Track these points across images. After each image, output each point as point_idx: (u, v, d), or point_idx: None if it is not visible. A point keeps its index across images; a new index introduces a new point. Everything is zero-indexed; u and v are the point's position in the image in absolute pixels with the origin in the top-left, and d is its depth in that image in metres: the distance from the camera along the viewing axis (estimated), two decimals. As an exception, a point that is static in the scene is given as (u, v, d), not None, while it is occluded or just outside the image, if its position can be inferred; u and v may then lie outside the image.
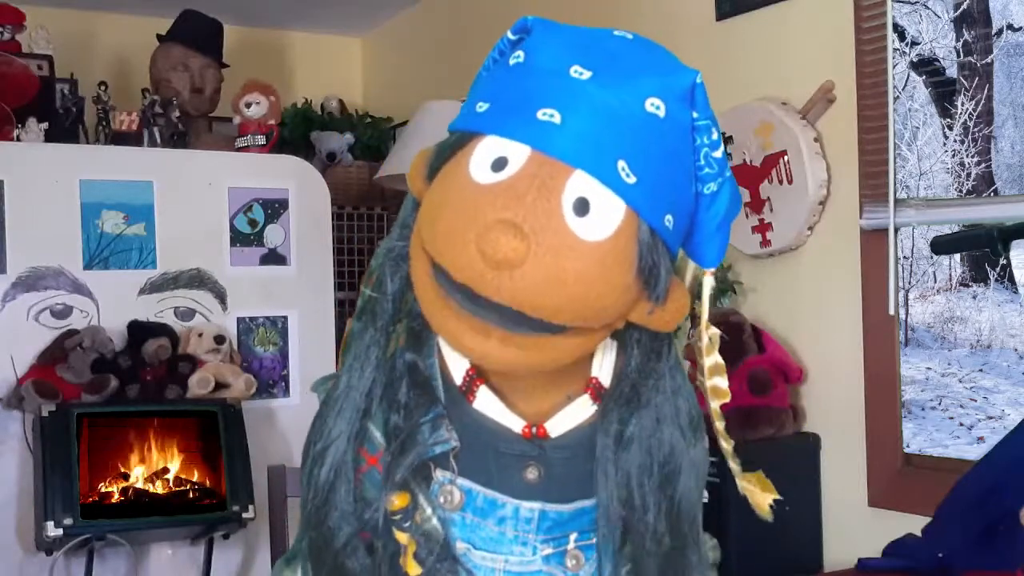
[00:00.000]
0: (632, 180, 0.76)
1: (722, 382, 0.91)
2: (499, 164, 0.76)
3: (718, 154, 0.82)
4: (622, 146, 0.76)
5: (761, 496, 0.94)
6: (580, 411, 0.88)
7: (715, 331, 0.90)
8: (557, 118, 0.75)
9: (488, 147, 0.77)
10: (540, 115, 0.75)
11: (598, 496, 0.86)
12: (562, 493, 0.88)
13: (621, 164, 0.75)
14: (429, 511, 0.86)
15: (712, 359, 0.90)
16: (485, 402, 0.87)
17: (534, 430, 0.87)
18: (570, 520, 0.88)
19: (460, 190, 0.77)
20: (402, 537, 0.85)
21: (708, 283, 0.88)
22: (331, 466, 0.85)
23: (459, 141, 0.81)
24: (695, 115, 0.81)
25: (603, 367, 0.90)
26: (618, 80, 0.77)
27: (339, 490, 0.85)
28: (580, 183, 0.75)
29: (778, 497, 0.92)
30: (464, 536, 0.87)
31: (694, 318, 0.91)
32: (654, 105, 0.77)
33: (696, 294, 0.88)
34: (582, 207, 0.75)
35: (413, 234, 0.83)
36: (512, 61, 0.81)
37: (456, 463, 0.85)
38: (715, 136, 0.82)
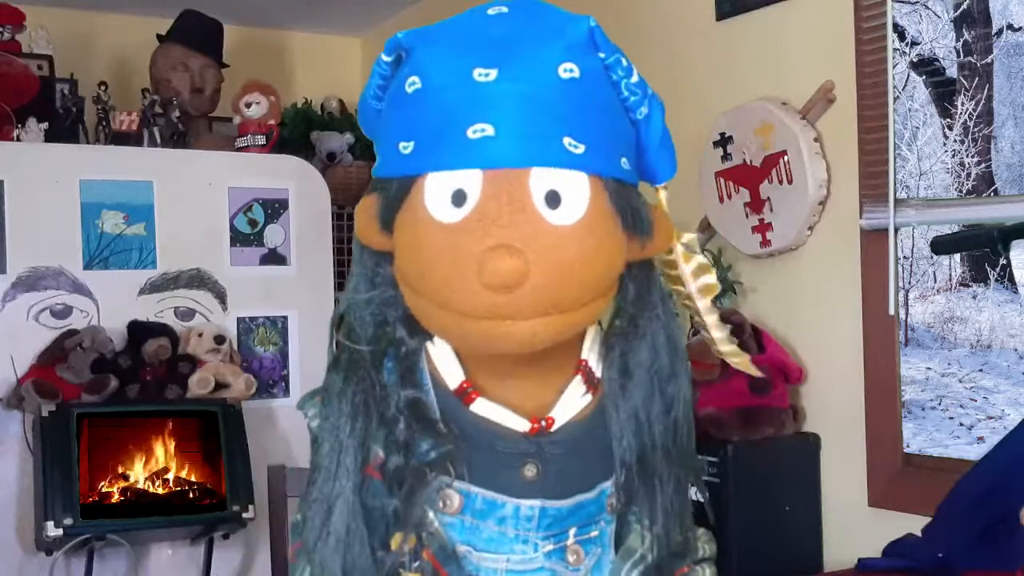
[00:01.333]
0: (581, 150, 0.76)
1: (710, 278, 0.93)
2: (458, 198, 0.76)
3: (635, 79, 0.82)
4: (558, 124, 0.76)
5: (744, 362, 0.98)
6: (575, 395, 0.89)
7: (691, 236, 0.93)
8: (490, 130, 0.74)
9: (437, 185, 0.77)
10: (471, 134, 0.75)
11: (610, 429, 0.88)
12: (560, 489, 0.88)
13: (566, 140, 0.76)
14: (436, 524, 0.86)
15: (694, 262, 0.92)
16: (484, 408, 0.87)
17: (542, 423, 0.87)
18: (569, 515, 0.88)
19: (435, 236, 0.77)
20: None
21: (664, 196, 0.90)
22: (344, 520, 0.84)
23: (401, 187, 0.80)
24: (602, 56, 0.80)
25: (593, 349, 0.91)
26: (524, 65, 0.76)
27: (356, 545, 0.84)
28: (541, 178, 0.76)
29: (760, 375, 0.94)
30: (464, 539, 0.86)
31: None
32: (567, 70, 0.77)
33: None
34: (553, 199, 0.76)
35: (402, 287, 0.83)
36: (410, 89, 0.78)
37: (454, 467, 0.85)
38: (625, 63, 0.82)
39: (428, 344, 0.89)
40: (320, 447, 0.87)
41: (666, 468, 0.89)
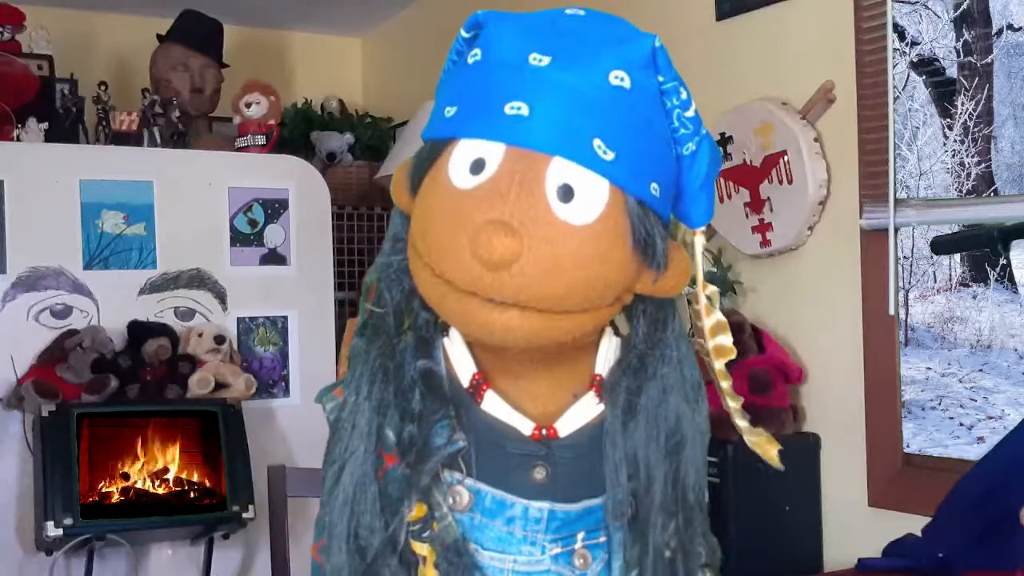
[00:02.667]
0: (610, 157, 0.76)
1: (726, 340, 0.91)
2: (477, 166, 0.76)
3: (690, 113, 0.82)
4: (594, 125, 0.76)
5: (769, 447, 0.96)
6: (586, 409, 0.88)
7: (713, 289, 0.91)
8: (525, 110, 0.75)
9: (463, 151, 0.77)
10: (508, 110, 0.76)
11: (605, 466, 0.86)
12: (570, 492, 0.88)
13: (596, 143, 0.76)
14: (449, 516, 0.86)
15: (713, 318, 0.91)
16: (492, 404, 0.87)
17: (544, 431, 0.86)
18: (578, 519, 0.88)
19: (444, 199, 0.78)
20: (420, 548, 0.85)
21: (699, 243, 0.89)
22: (353, 479, 0.85)
23: (434, 150, 0.81)
24: (660, 79, 0.81)
25: (607, 363, 0.90)
26: (578, 60, 0.77)
27: (365, 501, 0.85)
28: (560, 170, 0.76)
29: (781, 448, 0.94)
30: (472, 536, 0.87)
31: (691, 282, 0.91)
32: (618, 78, 0.77)
33: (690, 256, 0.89)
34: (566, 193, 0.76)
35: (409, 246, 0.83)
36: (471, 60, 0.80)
37: (465, 464, 0.85)
38: (684, 96, 0.82)
39: (444, 339, 0.89)
40: (338, 424, 0.88)
41: (661, 517, 0.88)
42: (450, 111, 0.80)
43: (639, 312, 0.87)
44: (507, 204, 0.74)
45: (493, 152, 0.76)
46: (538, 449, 0.86)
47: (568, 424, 0.87)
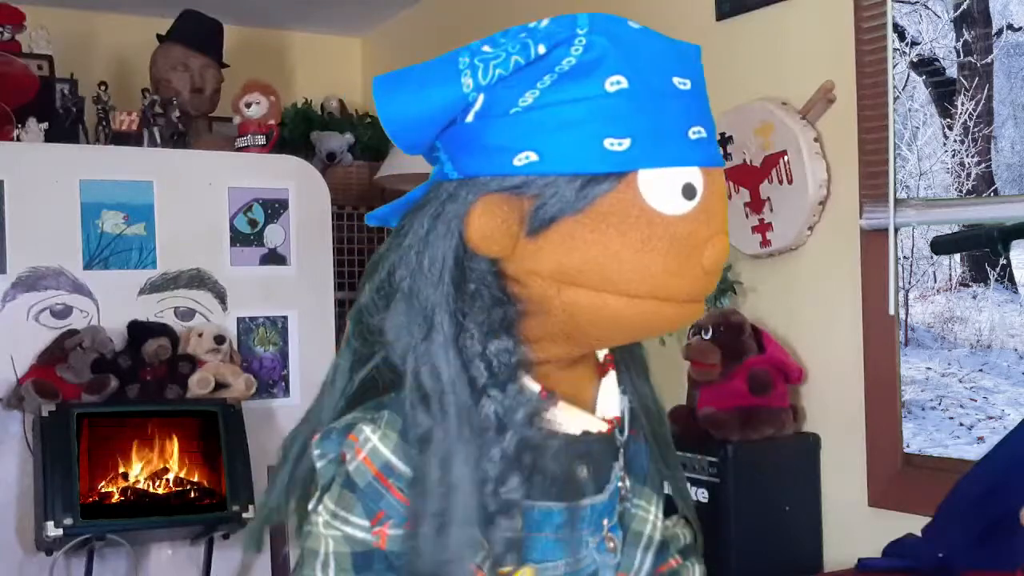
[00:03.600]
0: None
1: None
2: (689, 191, 0.80)
3: None
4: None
5: None
6: (611, 390, 0.92)
7: None
8: (704, 133, 0.82)
9: (659, 180, 0.79)
10: (691, 135, 0.81)
11: (639, 404, 0.95)
12: (601, 483, 0.90)
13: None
14: None
15: None
16: (562, 412, 0.86)
17: (614, 420, 0.90)
18: (604, 507, 0.90)
19: (662, 227, 0.80)
20: None
21: None
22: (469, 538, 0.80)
23: (592, 185, 0.78)
24: None
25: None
26: (699, 77, 0.84)
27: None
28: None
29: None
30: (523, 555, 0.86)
31: None
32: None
33: None
34: None
35: (540, 280, 0.81)
36: (612, 88, 0.77)
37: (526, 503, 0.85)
38: None
39: None
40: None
41: (671, 447, 0.99)
42: (619, 143, 0.77)
43: None
44: (720, 217, 0.83)
45: (694, 176, 0.81)
46: (582, 448, 0.87)
47: (608, 407, 0.91)
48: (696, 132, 0.80)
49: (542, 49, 0.78)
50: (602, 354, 0.93)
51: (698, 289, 0.83)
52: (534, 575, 0.84)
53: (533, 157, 0.78)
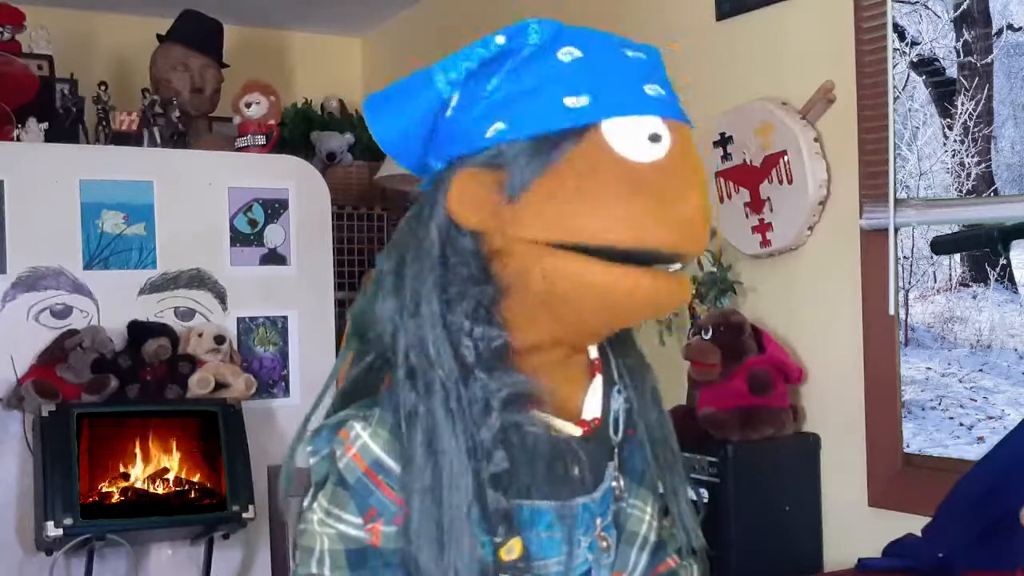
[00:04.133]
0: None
1: None
2: (654, 137, 0.83)
3: None
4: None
5: None
6: (598, 393, 0.93)
7: None
8: (661, 90, 0.85)
9: (625, 129, 0.82)
10: (648, 90, 0.84)
11: (639, 433, 0.95)
12: (593, 482, 0.90)
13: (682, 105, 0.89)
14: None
15: None
16: (542, 416, 0.87)
17: (592, 424, 0.90)
18: (597, 507, 0.91)
19: (635, 173, 0.82)
20: None
21: None
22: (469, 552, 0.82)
23: (560, 140, 0.82)
24: None
25: (594, 347, 0.95)
26: (654, 58, 0.88)
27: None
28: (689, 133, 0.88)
29: None
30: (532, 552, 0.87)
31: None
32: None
33: None
34: None
35: (523, 243, 0.83)
36: (567, 58, 0.84)
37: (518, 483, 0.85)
38: None
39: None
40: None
41: (680, 463, 0.98)
42: (578, 101, 0.83)
43: None
44: (694, 168, 0.85)
45: (658, 125, 0.84)
46: (573, 448, 0.88)
47: (593, 410, 0.92)
48: (653, 88, 0.85)
49: (501, 40, 0.86)
50: (592, 352, 0.94)
51: (682, 242, 0.83)
52: (522, 548, 0.84)
53: (501, 126, 0.84)
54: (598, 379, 0.93)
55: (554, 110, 0.83)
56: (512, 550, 0.84)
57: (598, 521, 0.91)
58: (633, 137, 0.82)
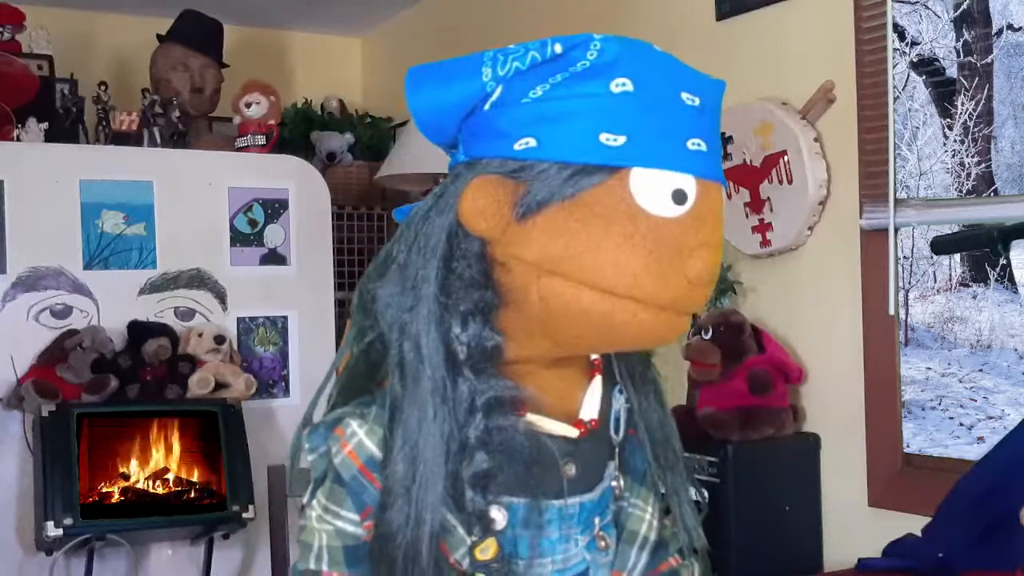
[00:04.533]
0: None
1: None
2: (679, 196, 0.81)
3: None
4: (720, 152, 0.87)
5: None
6: (597, 393, 0.92)
7: None
8: (703, 146, 0.82)
9: (652, 181, 0.81)
10: (690, 144, 0.81)
11: (640, 433, 0.95)
12: (590, 481, 0.90)
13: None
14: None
15: None
16: (532, 421, 0.87)
17: (589, 425, 0.90)
18: (595, 506, 0.91)
19: (646, 225, 0.80)
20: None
21: None
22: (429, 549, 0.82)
23: (584, 176, 0.81)
24: None
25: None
26: (711, 96, 0.85)
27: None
28: (721, 194, 0.86)
29: None
30: (508, 549, 0.87)
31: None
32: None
33: None
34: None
35: (521, 264, 0.82)
36: (617, 89, 0.81)
37: (498, 484, 0.85)
38: None
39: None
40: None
41: (681, 466, 0.97)
42: (614, 139, 0.80)
43: None
44: (711, 231, 0.83)
45: (688, 183, 0.81)
46: (568, 447, 0.88)
47: (591, 410, 0.91)
48: (695, 144, 0.81)
49: (559, 48, 0.81)
50: (594, 355, 0.94)
51: (680, 299, 0.82)
52: (496, 548, 0.84)
53: (532, 143, 0.81)
54: (598, 379, 0.93)
55: (587, 142, 0.81)
56: (486, 550, 0.84)
57: (596, 520, 0.91)
58: (658, 192, 0.80)
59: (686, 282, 0.81)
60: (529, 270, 0.83)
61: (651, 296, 0.80)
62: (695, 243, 0.81)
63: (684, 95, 0.82)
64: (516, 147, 0.82)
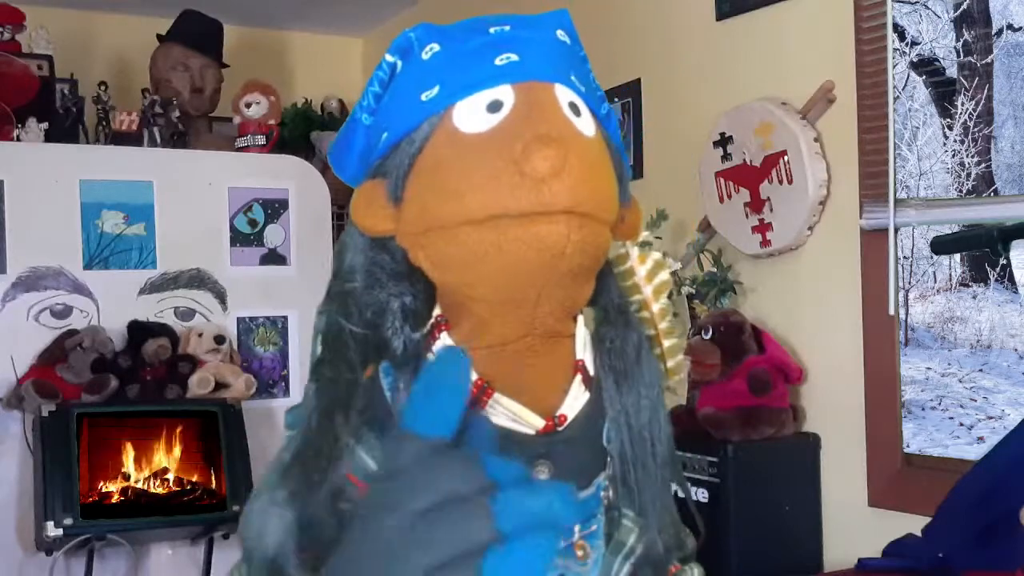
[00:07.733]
0: (583, 90, 0.85)
1: (664, 275, 0.99)
2: (494, 106, 0.81)
3: (593, 77, 0.91)
4: (566, 64, 0.85)
5: (672, 354, 1.01)
6: (578, 395, 0.89)
7: (645, 233, 0.99)
8: (515, 57, 0.82)
9: (468, 107, 0.82)
10: (498, 61, 0.82)
11: (608, 434, 0.90)
12: (569, 483, 0.87)
13: (572, 78, 0.84)
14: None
15: (650, 260, 0.98)
16: (498, 407, 0.86)
17: (556, 419, 0.87)
18: (574, 513, 0.88)
19: (468, 146, 0.81)
20: None
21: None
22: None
23: (418, 137, 0.84)
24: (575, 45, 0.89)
25: (586, 349, 0.92)
26: (529, 24, 0.86)
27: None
28: (563, 92, 0.83)
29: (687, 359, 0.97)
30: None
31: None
32: (560, 36, 0.86)
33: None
34: (574, 109, 0.82)
35: (417, 235, 0.84)
36: (428, 55, 0.86)
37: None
38: (587, 60, 0.90)
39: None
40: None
41: (655, 464, 0.92)
42: (429, 93, 0.83)
43: (609, 276, 0.93)
44: (540, 123, 0.80)
45: (503, 93, 0.81)
46: (540, 448, 0.86)
47: (569, 410, 0.89)
48: (504, 58, 0.82)
49: (390, 58, 0.88)
50: (579, 352, 0.91)
51: (538, 199, 0.78)
52: None
53: (386, 135, 0.87)
54: (577, 380, 0.90)
55: (413, 108, 0.84)
56: None
57: (576, 528, 0.88)
58: (474, 112, 0.81)
59: (530, 181, 0.78)
60: (415, 243, 0.85)
61: (505, 208, 0.79)
62: (528, 139, 0.78)
63: (492, 29, 0.85)
64: (379, 145, 0.87)
